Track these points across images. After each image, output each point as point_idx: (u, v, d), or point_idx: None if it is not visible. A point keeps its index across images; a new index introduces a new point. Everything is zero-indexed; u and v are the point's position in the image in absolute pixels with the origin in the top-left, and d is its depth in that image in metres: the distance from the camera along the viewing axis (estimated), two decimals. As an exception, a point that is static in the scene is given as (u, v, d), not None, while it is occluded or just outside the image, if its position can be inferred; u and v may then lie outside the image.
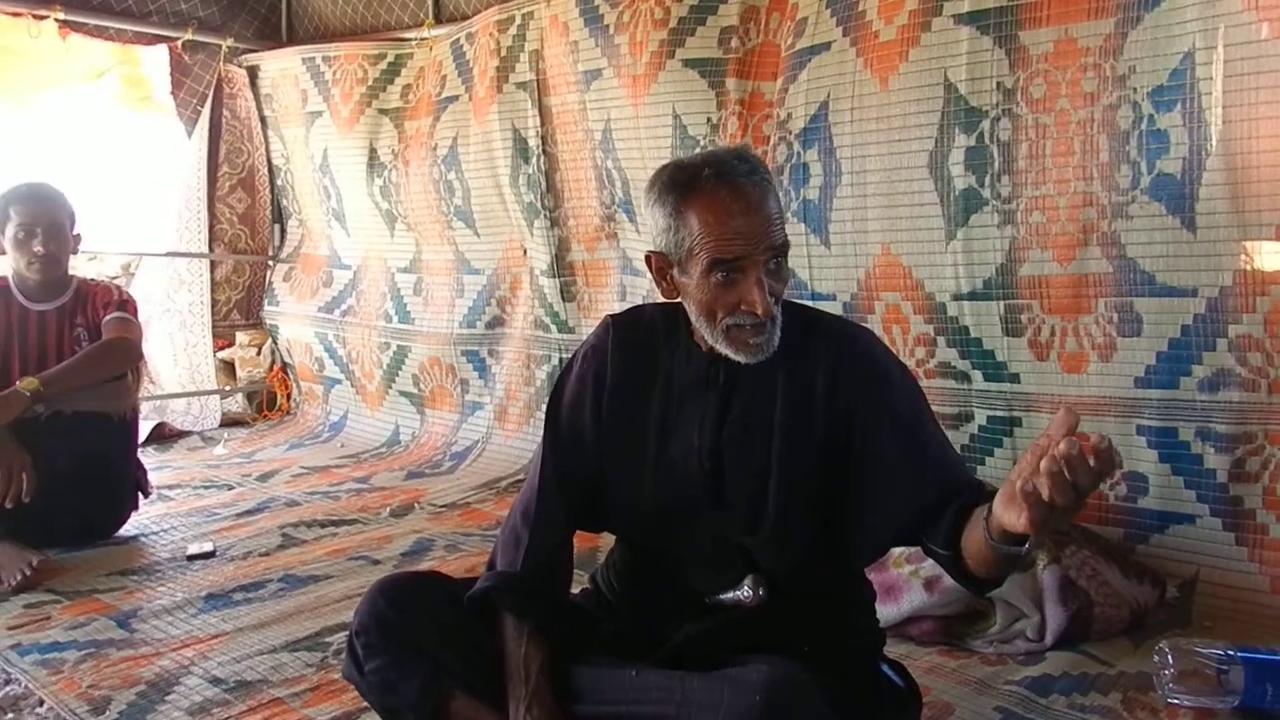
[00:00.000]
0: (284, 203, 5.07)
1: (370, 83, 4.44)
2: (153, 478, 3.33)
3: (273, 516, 3.31)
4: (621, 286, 3.73)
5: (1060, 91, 2.56)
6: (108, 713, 1.93)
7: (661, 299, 1.54)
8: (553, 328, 3.97)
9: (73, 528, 2.92)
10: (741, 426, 1.49)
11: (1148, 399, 2.50)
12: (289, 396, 5.07)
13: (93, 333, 2.99)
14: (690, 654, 1.48)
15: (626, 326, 1.59)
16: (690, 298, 1.45)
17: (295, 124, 4.77)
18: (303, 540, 3.05)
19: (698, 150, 3.27)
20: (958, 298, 2.79)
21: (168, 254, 4.96)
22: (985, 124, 2.68)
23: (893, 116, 2.84)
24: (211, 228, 4.93)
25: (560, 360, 3.89)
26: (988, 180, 2.69)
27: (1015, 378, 2.73)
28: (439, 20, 4.37)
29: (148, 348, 4.21)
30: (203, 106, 4.82)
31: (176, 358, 4.98)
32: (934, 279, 2.83)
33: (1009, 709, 1.90)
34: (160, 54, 4.69)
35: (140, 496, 3.17)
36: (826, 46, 2.99)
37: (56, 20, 4.22)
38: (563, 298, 3.92)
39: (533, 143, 3.85)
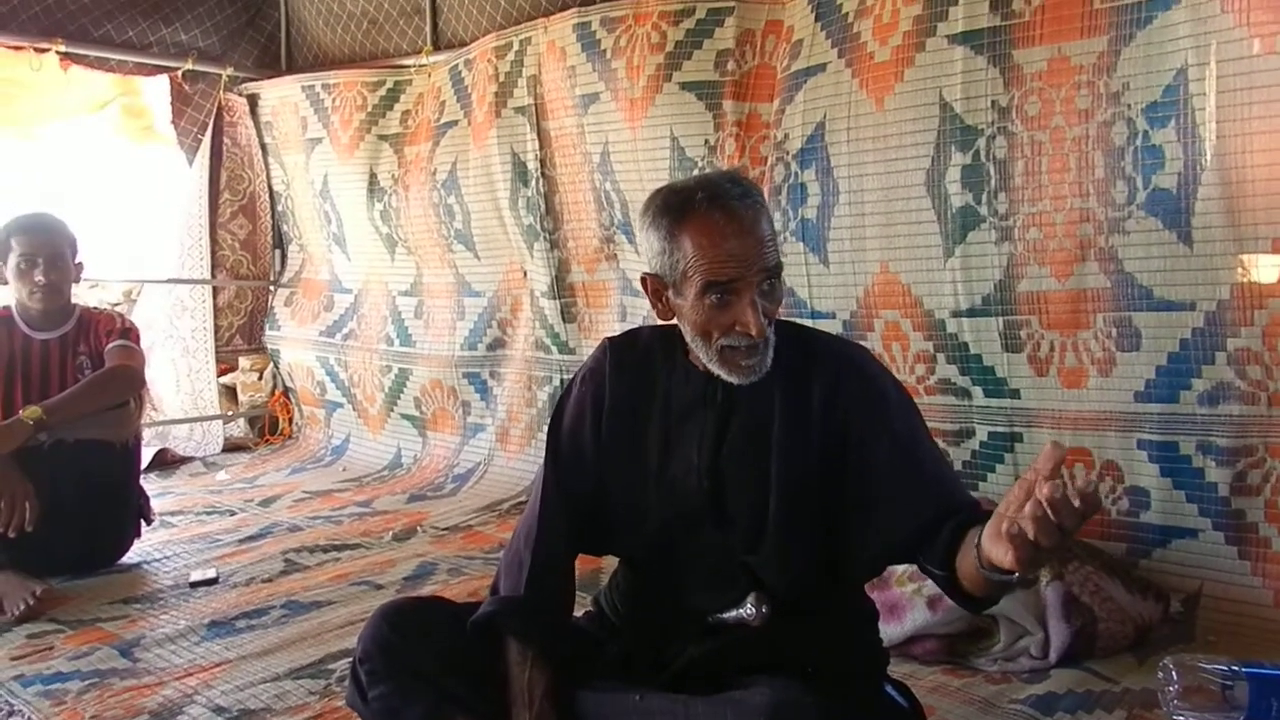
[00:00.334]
0: (285, 228, 5.10)
1: (370, 109, 4.47)
2: (155, 504, 3.33)
3: (275, 542, 3.31)
4: (622, 307, 3.74)
5: (1055, 109, 2.58)
6: (111, 742, 1.92)
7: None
8: (554, 349, 3.98)
9: (75, 556, 2.92)
10: (740, 445, 1.50)
11: (1148, 413, 2.50)
12: (291, 421, 5.07)
13: (95, 361, 3.00)
14: (694, 675, 1.48)
15: (624, 348, 1.60)
16: (685, 319, 1.46)
17: (295, 151, 4.80)
18: (305, 566, 3.05)
19: (695, 171, 3.29)
20: (957, 314, 2.79)
21: (170, 280, 4.98)
22: (981, 142, 2.69)
23: (889, 136, 2.85)
24: (213, 254, 4.96)
25: (561, 381, 3.90)
26: (985, 198, 2.70)
27: (1015, 393, 2.73)
28: (437, 47, 4.40)
29: (150, 374, 4.22)
30: (203, 135, 4.85)
31: (179, 383, 4.99)
32: (933, 296, 2.84)
33: (1014, 727, 1.90)
34: (161, 84, 4.73)
35: (143, 524, 3.17)
36: (822, 68, 3.02)
37: (58, 53, 4.26)
38: (563, 319, 3.93)
39: (532, 166, 3.87)
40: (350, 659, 1.58)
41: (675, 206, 1.43)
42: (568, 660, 1.52)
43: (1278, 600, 2.31)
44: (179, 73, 4.72)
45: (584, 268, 3.86)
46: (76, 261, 3.04)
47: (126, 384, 2.98)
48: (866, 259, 2.95)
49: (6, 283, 2.96)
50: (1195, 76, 2.35)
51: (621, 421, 1.55)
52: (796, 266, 3.10)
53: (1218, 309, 2.38)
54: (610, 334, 1.66)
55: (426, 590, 2.80)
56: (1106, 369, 2.57)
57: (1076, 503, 1.06)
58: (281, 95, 4.82)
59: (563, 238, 3.89)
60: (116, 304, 5.17)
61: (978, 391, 2.80)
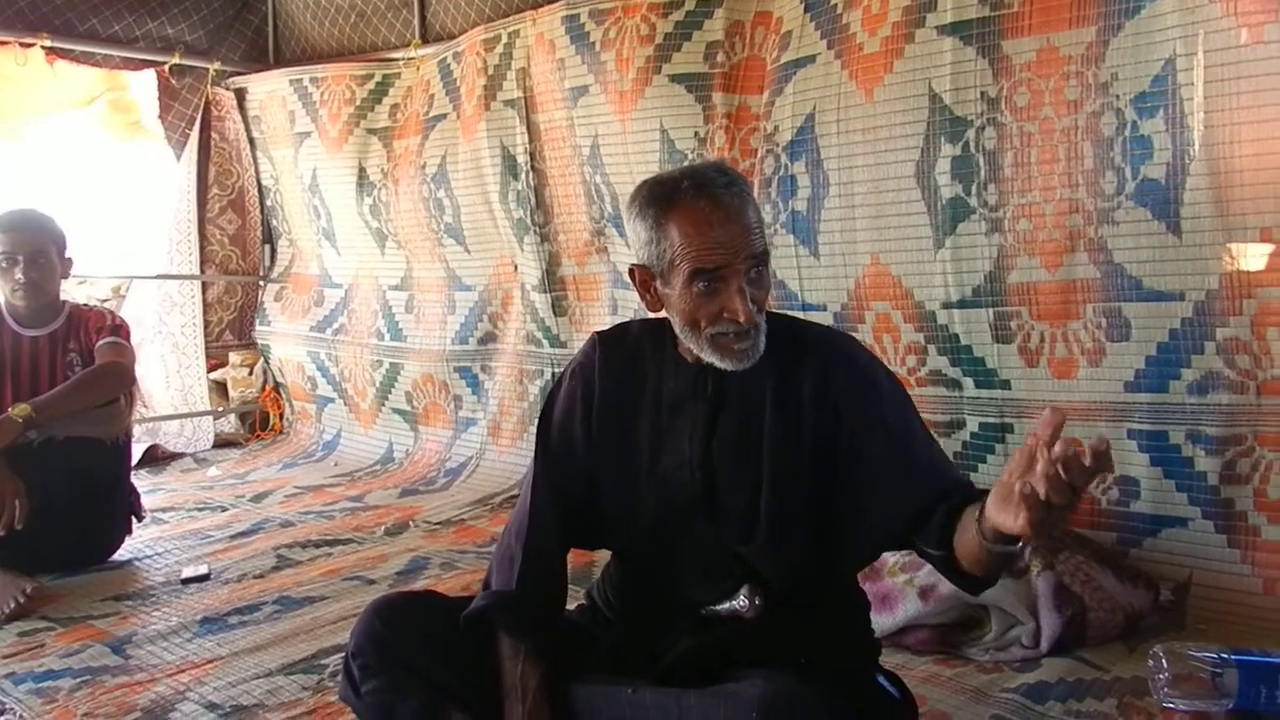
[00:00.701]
0: (274, 223, 5.08)
1: (358, 103, 4.45)
2: (146, 501, 3.33)
3: (267, 538, 3.31)
4: (612, 300, 3.74)
5: (1044, 100, 2.58)
6: (104, 740, 1.92)
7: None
8: (545, 342, 3.97)
9: (66, 553, 2.91)
10: (731, 436, 1.50)
11: (1138, 403, 2.51)
12: (282, 416, 5.06)
13: (85, 358, 2.99)
14: (687, 668, 1.48)
15: (613, 342, 1.60)
16: (674, 308, 1.46)
17: (284, 145, 4.78)
18: (297, 561, 3.05)
19: (686, 164, 3.29)
20: (947, 306, 2.80)
21: (159, 276, 4.96)
22: (970, 133, 2.69)
23: (879, 127, 2.85)
24: (202, 249, 4.94)
25: (553, 374, 3.90)
26: (974, 189, 2.70)
27: (1006, 384, 2.74)
28: (426, 40, 4.38)
29: (140, 370, 4.20)
30: (191, 129, 4.82)
31: (169, 379, 4.97)
32: (923, 288, 2.84)
33: (1006, 717, 1.90)
34: (148, 79, 4.70)
35: (133, 520, 3.16)
36: (811, 59, 3.01)
37: (43, 48, 4.23)
38: (554, 312, 3.93)
39: (521, 159, 3.86)
40: (343, 654, 1.58)
41: (661, 196, 1.43)
42: (560, 654, 1.52)
43: (1267, 588, 2.32)
44: (166, 67, 4.69)
45: (574, 261, 3.85)
46: (65, 258, 3.03)
47: (116, 381, 2.97)
48: (857, 251, 2.96)
49: None
50: (1183, 66, 2.36)
51: (612, 415, 1.56)
52: (787, 259, 3.10)
53: (1206, 299, 2.39)
54: (601, 327, 1.66)
55: (419, 585, 2.80)
56: (1096, 359, 2.58)
57: (1088, 461, 1.06)
58: (269, 89, 4.79)
59: (553, 231, 3.88)
60: (105, 300, 5.14)
61: (968, 383, 2.81)
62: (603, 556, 1.74)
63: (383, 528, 3.40)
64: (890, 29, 2.82)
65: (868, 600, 1.71)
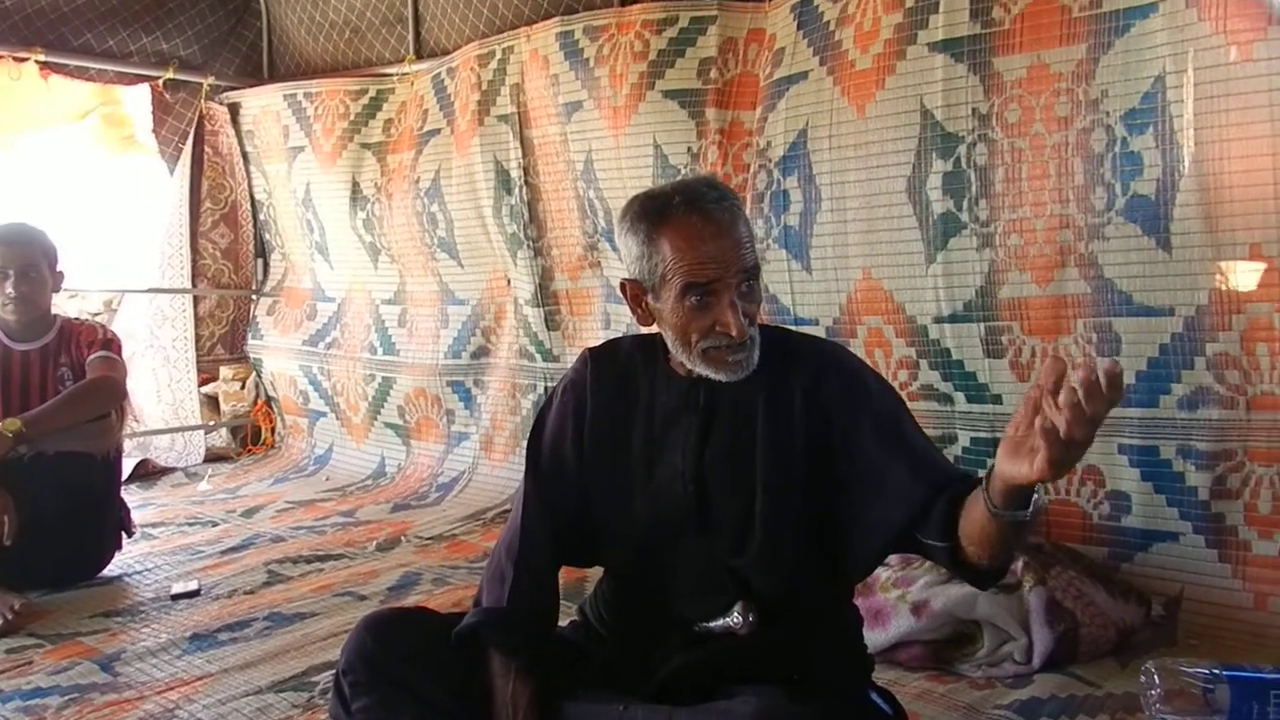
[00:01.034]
0: (267, 237, 5.08)
1: (352, 118, 4.46)
2: (136, 516, 3.31)
3: (258, 553, 3.29)
4: (605, 314, 3.74)
5: (1034, 116, 2.59)
6: (92, 758, 1.90)
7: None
8: (538, 357, 3.97)
9: (55, 569, 2.89)
10: (724, 448, 1.50)
11: (1128, 418, 2.52)
12: (273, 430, 5.05)
13: (77, 372, 2.98)
14: (680, 684, 1.48)
15: (604, 358, 1.61)
16: (666, 323, 1.47)
17: (278, 159, 4.78)
18: (288, 577, 3.03)
19: (678, 178, 3.30)
20: (939, 320, 2.81)
21: (151, 290, 4.95)
22: (962, 149, 2.71)
23: (870, 143, 2.87)
24: (194, 263, 4.93)
25: (546, 389, 3.90)
26: (965, 204, 2.72)
27: (998, 399, 2.74)
28: (420, 56, 4.40)
29: (131, 384, 4.19)
30: (184, 144, 4.83)
31: (160, 393, 4.96)
32: (915, 302, 2.85)
33: (999, 733, 1.90)
34: (142, 93, 4.71)
35: (123, 536, 3.15)
36: (804, 76, 3.03)
37: (37, 62, 4.23)
38: (547, 327, 3.93)
39: (515, 174, 3.87)
40: (333, 671, 1.57)
41: (652, 211, 1.44)
42: (552, 671, 1.51)
43: (1258, 603, 2.32)
44: (160, 82, 4.70)
45: (568, 275, 3.86)
46: (57, 271, 3.02)
47: (107, 395, 2.96)
48: (849, 265, 2.97)
49: None
50: (1173, 84, 2.37)
51: (605, 431, 1.56)
52: (779, 273, 3.11)
53: (1196, 314, 2.40)
54: (594, 341, 1.66)
55: (411, 600, 2.79)
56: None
57: (1105, 388, 1.05)
58: (263, 104, 4.80)
59: (546, 245, 3.89)
60: (97, 314, 5.14)
61: (960, 397, 2.81)
62: (595, 572, 1.74)
63: (374, 543, 3.39)
64: (882, 46, 2.83)
65: (860, 616, 1.71)
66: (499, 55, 3.88)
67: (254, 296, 5.14)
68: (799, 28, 3.07)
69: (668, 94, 3.35)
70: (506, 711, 1.45)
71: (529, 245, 3.90)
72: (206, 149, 4.91)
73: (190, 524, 3.70)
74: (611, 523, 1.56)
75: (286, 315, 4.98)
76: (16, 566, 2.69)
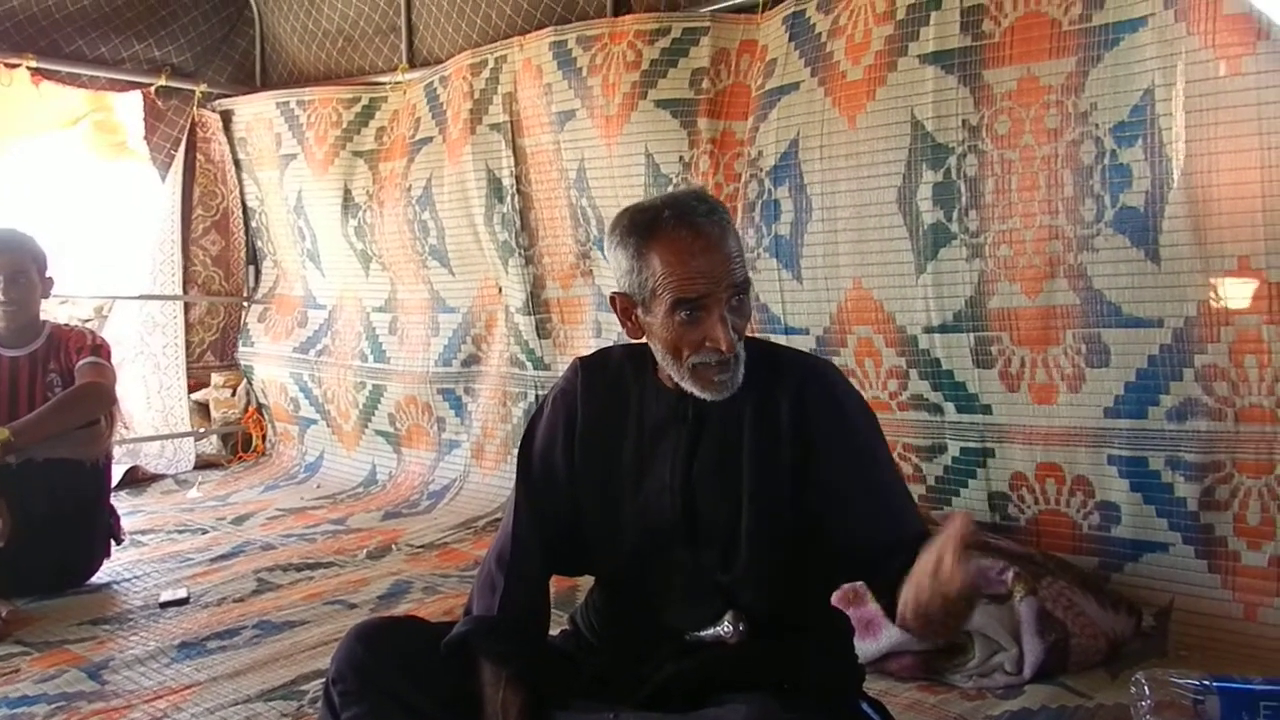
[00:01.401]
0: (259, 244, 5.08)
1: (345, 126, 4.46)
2: (125, 523, 3.29)
3: (248, 561, 3.28)
4: (597, 323, 3.75)
5: (1024, 128, 2.61)
6: (79, 767, 1.89)
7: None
8: (529, 365, 3.97)
9: (44, 576, 2.87)
10: (712, 462, 1.50)
11: (1117, 429, 2.53)
12: (264, 437, 5.03)
13: (66, 379, 2.97)
14: (671, 693, 1.47)
15: (595, 368, 1.60)
16: (655, 337, 1.47)
17: (270, 167, 4.78)
18: (278, 585, 3.02)
19: (670, 188, 3.31)
20: (929, 330, 2.82)
21: (142, 297, 4.94)
22: (952, 160, 2.72)
23: (861, 154, 2.88)
24: (186, 270, 4.93)
25: (536, 397, 3.90)
26: (955, 215, 2.73)
27: (987, 409, 2.75)
28: (413, 64, 4.40)
29: (121, 390, 4.18)
30: (176, 151, 4.82)
31: (150, 400, 4.94)
32: (905, 312, 2.86)
33: (989, 743, 1.90)
34: (134, 100, 4.70)
35: (112, 543, 3.13)
36: (795, 86, 3.04)
37: (29, 69, 4.23)
38: (538, 335, 3.93)
39: (507, 182, 3.87)
40: (323, 680, 1.57)
41: (642, 225, 1.43)
42: (543, 680, 1.51)
43: (1248, 614, 2.33)
44: (152, 89, 4.70)
45: (559, 284, 3.86)
46: (46, 277, 3.01)
47: (96, 402, 2.95)
48: (839, 275, 2.97)
49: None
50: (1162, 97, 2.39)
51: (595, 441, 1.55)
52: (770, 283, 3.12)
53: (1185, 326, 2.41)
54: (585, 350, 1.66)
55: (401, 609, 2.78)
56: (1076, 385, 2.59)
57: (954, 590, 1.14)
58: (256, 111, 4.80)
59: (538, 254, 3.89)
60: (88, 320, 5.12)
61: (950, 407, 2.82)
62: (586, 581, 1.73)
63: (365, 551, 3.38)
64: (873, 57, 2.85)
65: (851, 626, 1.70)
66: (491, 64, 3.89)
67: (245, 303, 5.13)
68: (791, 39, 3.09)
69: (660, 104, 3.36)
70: (497, 720, 1.44)
71: (520, 253, 3.90)
72: (198, 156, 4.91)
73: (180, 531, 3.69)
74: (601, 532, 1.56)
75: (277, 322, 4.97)
76: (5, 573, 2.68)
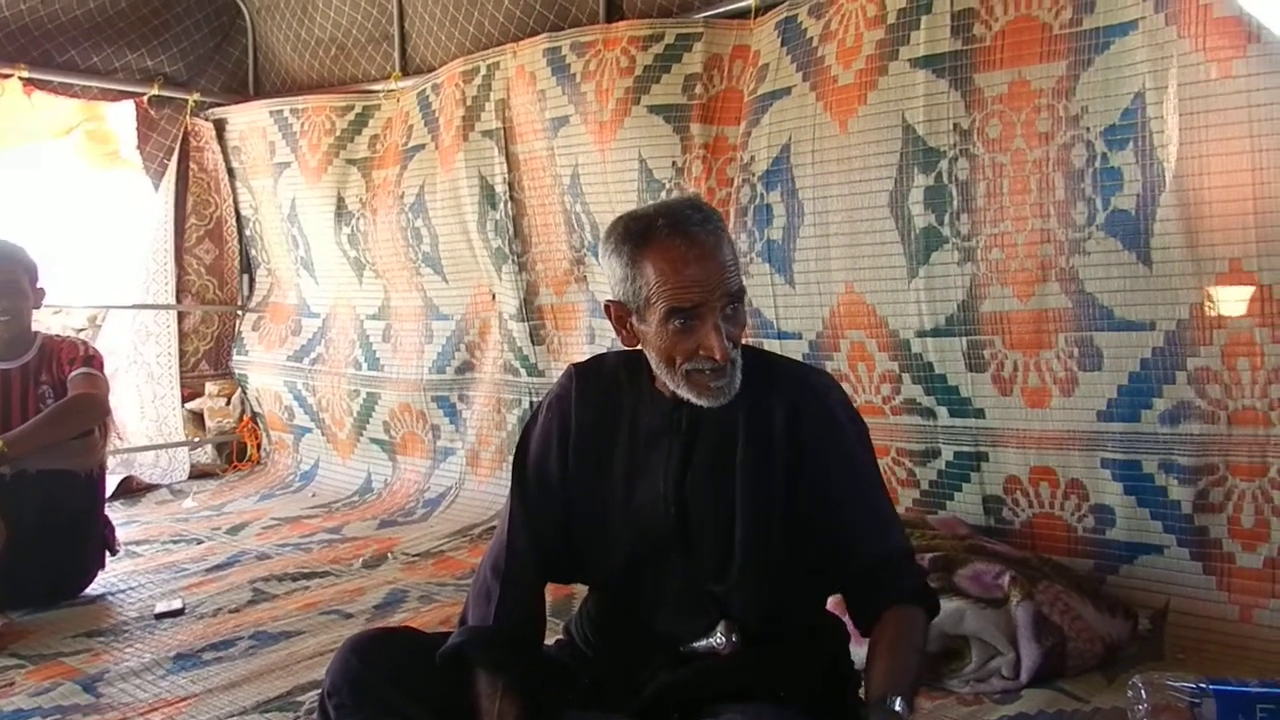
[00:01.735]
0: (252, 252, 5.07)
1: (338, 134, 4.47)
2: (120, 533, 3.29)
3: (243, 571, 3.27)
4: (590, 329, 3.74)
5: (1015, 132, 2.61)
6: (73, 781, 1.89)
7: (625, 344, 1.56)
8: (523, 371, 3.97)
9: (38, 588, 2.86)
10: (705, 471, 1.50)
11: (1110, 432, 2.53)
12: (259, 446, 5.02)
13: (58, 390, 2.96)
14: (666, 703, 1.47)
15: (589, 375, 1.60)
16: (650, 345, 1.47)
17: (263, 175, 4.78)
18: (274, 595, 3.01)
19: (663, 193, 3.31)
20: (921, 334, 2.82)
21: (135, 306, 4.93)
22: (943, 164, 2.73)
23: (853, 158, 2.88)
24: (179, 279, 4.92)
25: (531, 403, 3.89)
26: (947, 219, 2.73)
27: (980, 413, 2.75)
28: (405, 72, 4.41)
29: (114, 400, 4.17)
30: (169, 160, 4.82)
31: (144, 410, 4.93)
32: (897, 316, 2.86)
33: (985, 748, 1.90)
34: (126, 109, 4.70)
35: (107, 554, 3.12)
36: (787, 91, 3.05)
37: (21, 79, 4.22)
38: (532, 341, 3.93)
39: (500, 189, 3.87)
40: (319, 691, 1.56)
41: (636, 234, 1.43)
42: (538, 689, 1.51)
43: (1244, 615, 2.33)
44: (145, 98, 4.69)
45: (553, 290, 3.86)
46: (37, 288, 3.00)
47: (90, 413, 2.95)
48: (832, 280, 2.98)
49: None
50: (1153, 100, 2.40)
51: (589, 448, 1.55)
52: (763, 287, 3.12)
53: (1177, 329, 2.42)
54: (579, 356, 1.66)
55: (397, 618, 2.78)
56: (1069, 388, 2.60)
57: None
58: (249, 120, 4.79)
59: (531, 260, 3.89)
60: (82, 330, 5.11)
61: (943, 411, 2.82)
62: (581, 590, 1.73)
63: (360, 560, 3.37)
64: (864, 62, 2.85)
65: (848, 632, 1.70)
66: (484, 71, 3.89)
67: (239, 312, 5.12)
68: (783, 44, 3.09)
69: (653, 109, 3.37)
70: (492, 730, 1.44)
71: (514, 260, 3.90)
72: (191, 165, 4.90)
73: (174, 541, 3.68)
74: (594, 539, 1.55)
75: (271, 331, 4.97)
76: (-2, 586, 2.67)
